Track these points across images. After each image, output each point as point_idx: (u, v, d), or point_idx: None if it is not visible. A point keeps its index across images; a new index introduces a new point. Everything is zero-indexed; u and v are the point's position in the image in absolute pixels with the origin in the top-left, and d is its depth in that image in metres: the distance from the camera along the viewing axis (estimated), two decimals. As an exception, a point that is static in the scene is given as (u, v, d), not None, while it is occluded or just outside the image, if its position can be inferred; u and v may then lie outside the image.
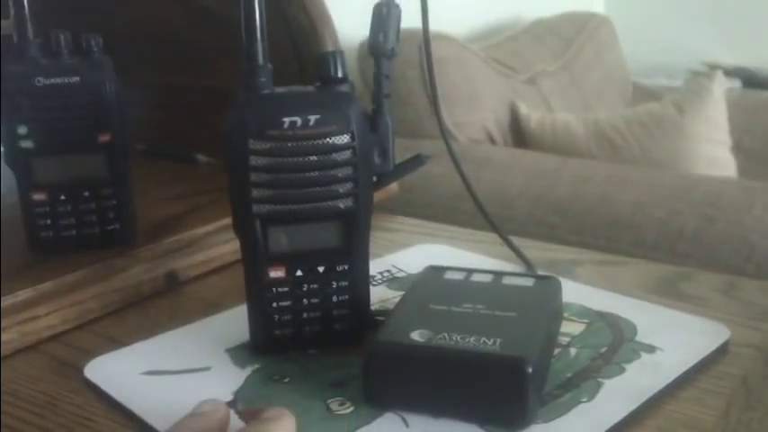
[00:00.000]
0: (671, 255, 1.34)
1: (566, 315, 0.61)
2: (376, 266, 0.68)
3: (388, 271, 0.72)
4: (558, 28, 2.41)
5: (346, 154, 0.54)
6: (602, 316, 0.62)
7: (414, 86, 1.79)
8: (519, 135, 1.94)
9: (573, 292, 0.63)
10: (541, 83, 2.18)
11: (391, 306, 0.60)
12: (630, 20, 2.78)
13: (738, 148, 2.02)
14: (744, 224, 1.35)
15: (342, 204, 0.55)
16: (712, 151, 1.88)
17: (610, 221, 1.44)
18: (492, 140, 1.90)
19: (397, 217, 0.88)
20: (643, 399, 0.51)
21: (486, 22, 2.43)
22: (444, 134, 0.71)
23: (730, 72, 2.50)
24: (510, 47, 2.20)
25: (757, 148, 2.24)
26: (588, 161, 1.74)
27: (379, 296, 0.65)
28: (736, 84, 2.70)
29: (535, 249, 0.74)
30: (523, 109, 1.95)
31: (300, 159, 0.53)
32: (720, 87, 1.91)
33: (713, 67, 2.36)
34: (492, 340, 0.49)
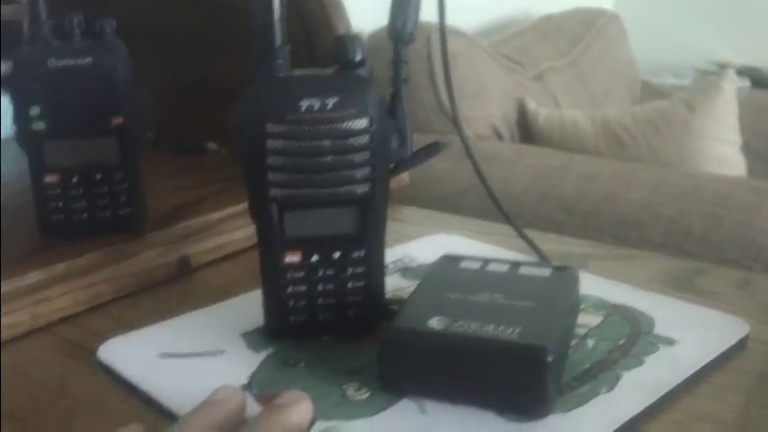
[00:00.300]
0: (678, 254, 1.34)
1: (582, 307, 0.60)
2: (388, 256, 0.67)
3: (400, 260, 0.71)
4: (566, 24, 2.40)
5: (364, 138, 0.53)
6: (618, 309, 0.61)
7: (421, 81, 1.78)
8: (526, 131, 1.94)
9: (588, 284, 0.62)
10: (549, 79, 2.17)
11: (405, 295, 0.60)
12: (639, 17, 2.77)
13: (747, 149, 2.01)
14: (752, 225, 1.34)
15: (359, 190, 0.54)
16: (722, 150, 1.87)
17: (616, 220, 1.43)
18: (499, 136, 1.89)
19: (407, 208, 0.87)
20: (662, 392, 0.50)
21: (493, 18, 2.42)
22: (460, 128, 0.70)
23: (739, 72, 2.49)
24: (517, 42, 2.19)
25: (766, 149, 2.23)
26: (595, 158, 1.73)
27: (393, 285, 0.64)
28: (745, 84, 2.69)
29: (548, 242, 0.74)
30: (531, 105, 1.94)
31: (317, 143, 0.53)
32: (731, 86, 1.90)
33: (722, 67, 2.36)
34: (511, 329, 0.48)
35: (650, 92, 2.52)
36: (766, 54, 2.85)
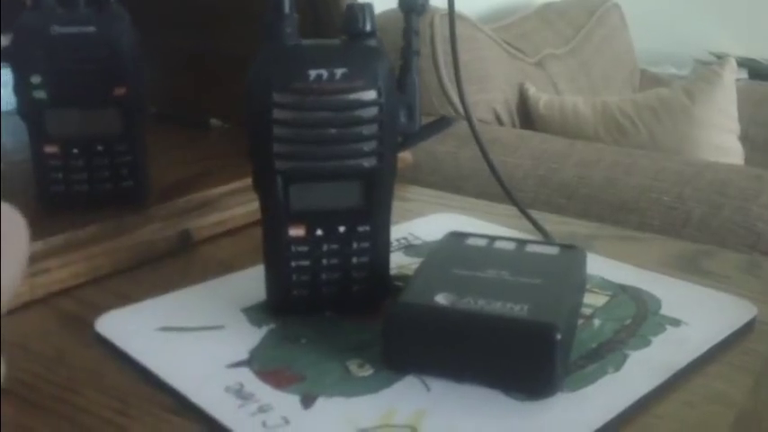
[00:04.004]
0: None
1: (588, 287, 0.60)
2: (392, 234, 0.67)
3: (404, 238, 0.70)
4: (568, 12, 2.39)
5: (372, 111, 0.52)
6: (624, 289, 0.60)
7: (424, 63, 1.77)
8: (527, 117, 1.93)
9: (593, 264, 0.61)
10: (549, 66, 2.16)
11: (409, 272, 0.59)
12: (640, 7, 2.76)
13: (745, 139, 2.01)
14: (751, 212, 1.34)
15: (366, 163, 0.53)
16: (721, 139, 1.86)
17: (616, 205, 1.42)
18: (500, 121, 1.88)
19: (410, 186, 0.86)
20: (670, 372, 0.49)
21: (496, 3, 2.41)
22: (468, 111, 0.69)
23: (737, 63, 2.49)
24: (520, 29, 2.18)
25: (763, 139, 2.23)
26: (596, 144, 1.72)
27: (397, 262, 0.63)
28: (743, 75, 2.69)
29: (552, 223, 0.73)
30: (532, 91, 1.93)
31: (324, 114, 0.51)
32: (731, 75, 1.90)
33: (720, 57, 2.35)
34: (519, 306, 0.48)
35: (649, 81, 2.52)
36: (764, 46, 2.84)
